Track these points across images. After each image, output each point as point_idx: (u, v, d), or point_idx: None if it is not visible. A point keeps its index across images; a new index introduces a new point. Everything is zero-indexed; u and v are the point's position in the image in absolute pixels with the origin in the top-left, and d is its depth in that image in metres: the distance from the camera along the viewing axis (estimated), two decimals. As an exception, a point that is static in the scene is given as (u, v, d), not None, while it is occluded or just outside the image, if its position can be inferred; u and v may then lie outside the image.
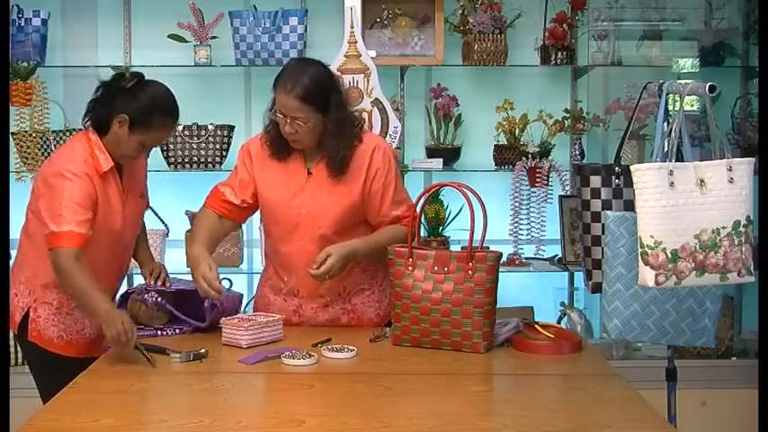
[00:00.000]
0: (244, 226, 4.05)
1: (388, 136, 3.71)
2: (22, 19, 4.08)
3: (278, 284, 2.92)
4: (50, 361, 2.82)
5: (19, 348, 3.80)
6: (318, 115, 2.72)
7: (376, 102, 3.66)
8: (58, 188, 2.65)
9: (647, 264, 2.50)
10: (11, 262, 3.01)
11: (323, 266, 2.69)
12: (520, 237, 4.17)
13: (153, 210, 3.16)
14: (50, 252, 2.63)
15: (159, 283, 2.85)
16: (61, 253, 2.61)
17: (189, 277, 3.20)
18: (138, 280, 3.02)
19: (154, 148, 2.89)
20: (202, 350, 2.52)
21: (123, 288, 3.01)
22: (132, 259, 3.00)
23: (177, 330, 2.81)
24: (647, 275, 2.51)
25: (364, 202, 2.82)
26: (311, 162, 2.83)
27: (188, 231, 4.12)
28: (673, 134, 2.59)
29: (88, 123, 2.77)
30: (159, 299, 2.81)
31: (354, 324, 2.91)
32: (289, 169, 2.85)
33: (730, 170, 2.51)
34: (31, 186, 2.82)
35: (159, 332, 2.79)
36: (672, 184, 2.48)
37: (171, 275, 3.11)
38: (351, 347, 2.56)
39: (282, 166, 2.85)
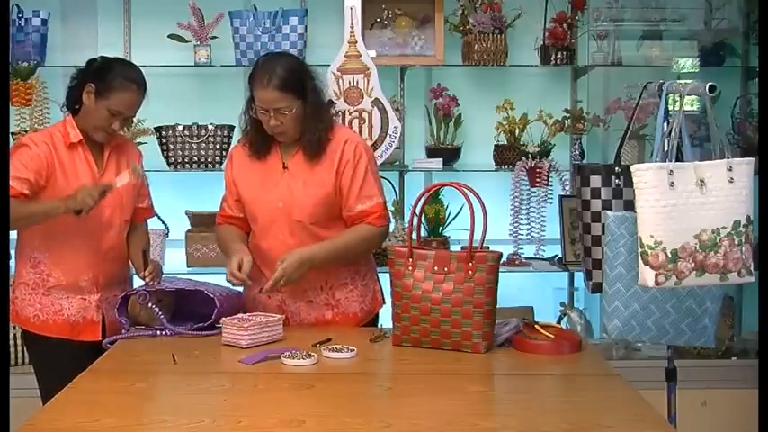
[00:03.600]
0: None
1: (388, 136, 3.71)
2: (22, 19, 4.08)
3: (262, 281, 2.93)
4: (37, 343, 2.88)
5: (19, 348, 3.86)
6: (299, 102, 2.79)
7: (376, 102, 3.65)
8: (14, 150, 2.83)
9: (647, 264, 2.50)
10: (11, 262, 3.03)
11: (276, 272, 2.73)
12: (520, 237, 4.17)
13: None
14: None
15: (148, 279, 2.86)
16: None
17: (188, 277, 3.21)
18: (138, 281, 3.02)
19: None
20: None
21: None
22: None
23: (173, 332, 2.80)
24: (647, 275, 2.51)
25: (337, 195, 2.85)
26: (287, 156, 2.88)
27: (188, 231, 4.12)
28: (673, 134, 2.59)
29: (65, 109, 2.93)
30: (156, 307, 2.80)
31: (339, 320, 2.92)
32: (267, 166, 2.90)
33: (730, 170, 2.51)
34: None
35: (159, 332, 2.78)
36: (672, 184, 2.48)
37: (171, 275, 3.11)
38: (351, 347, 2.55)
39: (261, 165, 2.91)
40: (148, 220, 3.12)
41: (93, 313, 2.89)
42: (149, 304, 2.79)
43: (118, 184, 2.79)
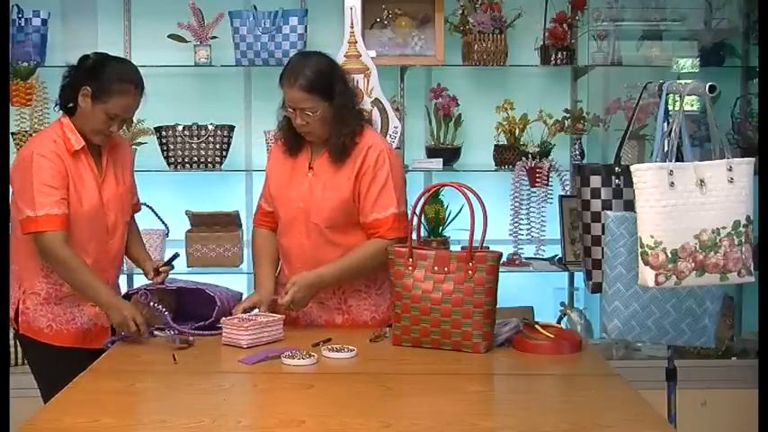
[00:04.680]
0: (244, 226, 4.06)
1: (388, 136, 3.71)
2: (22, 19, 4.08)
3: (283, 278, 2.93)
4: (44, 352, 2.84)
5: (19, 347, 3.84)
6: (325, 103, 2.77)
7: (376, 102, 3.66)
8: (28, 171, 2.72)
9: (647, 264, 2.50)
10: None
11: (287, 296, 2.75)
12: (520, 237, 4.17)
13: (153, 210, 3.16)
14: (33, 237, 2.70)
15: (159, 279, 2.86)
16: (46, 238, 2.67)
17: (188, 278, 3.21)
18: (139, 280, 3.02)
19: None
20: (190, 338, 2.64)
21: (123, 287, 3.01)
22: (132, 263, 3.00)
23: (178, 330, 2.80)
24: (647, 275, 2.51)
25: (355, 201, 2.83)
26: (315, 156, 2.87)
27: (188, 231, 4.13)
28: (673, 134, 2.59)
29: (58, 108, 2.85)
30: (159, 306, 2.79)
31: (349, 326, 2.91)
32: (296, 165, 2.89)
33: (730, 170, 2.51)
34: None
35: (159, 332, 2.78)
36: (672, 184, 2.48)
37: (170, 276, 3.11)
38: (351, 347, 2.55)
39: (291, 162, 2.90)
40: (148, 221, 3.11)
41: (104, 320, 2.86)
42: (152, 303, 2.79)
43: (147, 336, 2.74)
